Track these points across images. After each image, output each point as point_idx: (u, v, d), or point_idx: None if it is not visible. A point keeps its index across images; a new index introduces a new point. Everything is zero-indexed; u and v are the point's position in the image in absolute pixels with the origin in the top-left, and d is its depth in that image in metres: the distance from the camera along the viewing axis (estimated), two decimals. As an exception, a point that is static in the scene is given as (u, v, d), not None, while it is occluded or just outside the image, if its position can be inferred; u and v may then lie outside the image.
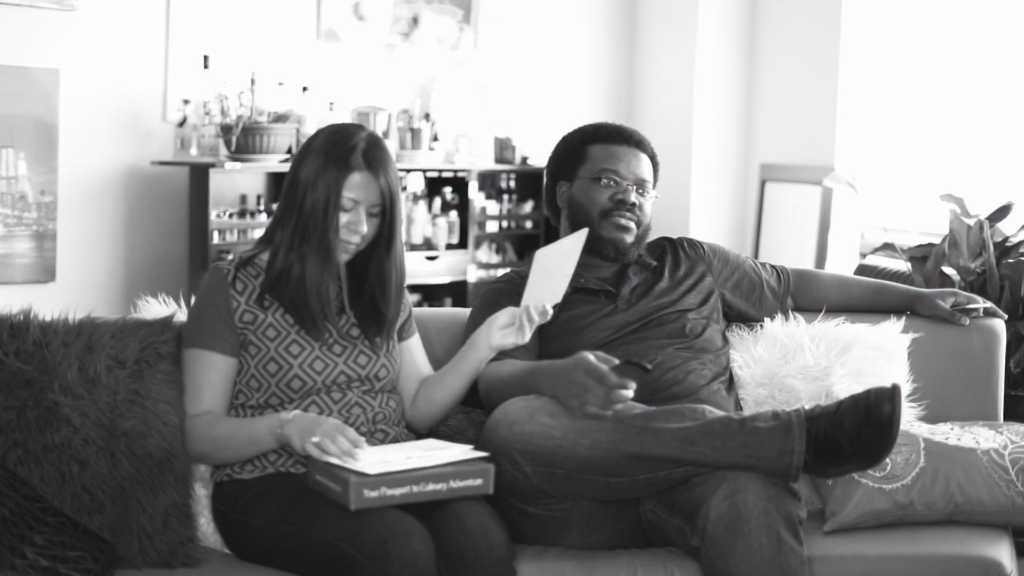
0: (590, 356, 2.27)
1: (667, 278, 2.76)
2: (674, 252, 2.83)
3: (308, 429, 2.21)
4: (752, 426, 2.23)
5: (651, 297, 2.72)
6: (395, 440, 2.43)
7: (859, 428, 2.19)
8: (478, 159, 5.98)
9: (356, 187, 2.36)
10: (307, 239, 2.36)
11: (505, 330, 2.40)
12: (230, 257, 2.47)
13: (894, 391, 2.19)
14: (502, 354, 2.50)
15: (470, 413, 2.61)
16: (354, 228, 2.38)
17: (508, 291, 2.67)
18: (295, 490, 2.28)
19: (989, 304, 2.91)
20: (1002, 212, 3.86)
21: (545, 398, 2.31)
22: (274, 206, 5.22)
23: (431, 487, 2.17)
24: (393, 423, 2.46)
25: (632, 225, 2.72)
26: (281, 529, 2.24)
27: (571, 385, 2.27)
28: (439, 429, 2.56)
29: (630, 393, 2.26)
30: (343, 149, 2.36)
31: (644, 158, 2.77)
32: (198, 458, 2.39)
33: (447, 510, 2.21)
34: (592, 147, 2.76)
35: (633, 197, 2.72)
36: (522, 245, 6.18)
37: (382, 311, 2.45)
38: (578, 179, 2.76)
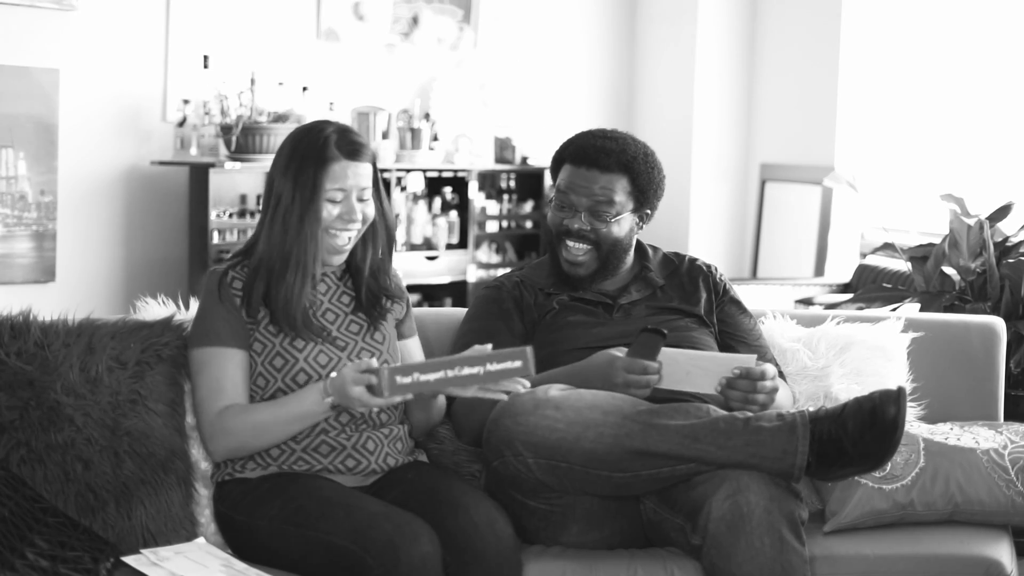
0: (618, 354, 2.38)
1: (671, 298, 2.69)
2: (691, 273, 2.74)
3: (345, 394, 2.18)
4: (756, 425, 2.23)
5: (649, 313, 2.65)
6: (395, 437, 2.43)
7: (863, 430, 2.19)
8: (478, 159, 5.97)
9: (338, 177, 2.35)
10: (289, 252, 2.35)
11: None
12: (228, 255, 2.46)
13: (899, 393, 2.20)
14: None
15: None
16: (348, 218, 2.37)
17: (497, 298, 2.66)
18: (299, 490, 2.27)
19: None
20: (1002, 212, 3.86)
21: (552, 391, 2.30)
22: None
23: (467, 371, 2.11)
24: (394, 421, 2.45)
25: (579, 257, 2.62)
26: (286, 530, 2.23)
27: (615, 387, 2.35)
28: (439, 431, 2.57)
29: (656, 376, 2.36)
30: (315, 146, 2.35)
31: (607, 178, 2.60)
32: (231, 452, 2.34)
33: (454, 503, 2.22)
34: (563, 166, 2.67)
35: (580, 224, 2.61)
36: (522, 245, 6.18)
37: (374, 291, 2.45)
38: (553, 195, 2.71)
